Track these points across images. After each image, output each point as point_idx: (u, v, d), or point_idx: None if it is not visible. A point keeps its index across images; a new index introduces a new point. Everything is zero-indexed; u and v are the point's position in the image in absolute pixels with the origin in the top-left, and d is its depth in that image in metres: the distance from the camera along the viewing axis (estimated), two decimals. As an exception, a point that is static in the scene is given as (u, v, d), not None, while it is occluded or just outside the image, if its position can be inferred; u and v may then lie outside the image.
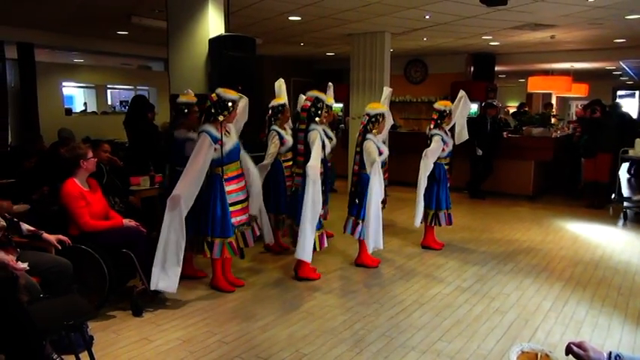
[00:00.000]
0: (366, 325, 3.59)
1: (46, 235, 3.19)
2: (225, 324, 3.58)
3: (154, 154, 5.50)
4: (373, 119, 4.65)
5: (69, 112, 10.95)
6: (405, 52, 10.73)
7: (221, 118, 3.86)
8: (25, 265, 2.70)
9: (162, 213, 3.71)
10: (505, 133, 8.73)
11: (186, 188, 3.71)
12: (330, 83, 5.64)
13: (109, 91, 13.31)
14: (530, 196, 8.23)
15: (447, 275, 4.67)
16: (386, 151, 4.75)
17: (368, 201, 4.40)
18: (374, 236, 4.45)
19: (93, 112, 12.33)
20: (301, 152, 4.38)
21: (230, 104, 3.90)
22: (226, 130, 3.97)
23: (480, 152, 8.06)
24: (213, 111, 3.87)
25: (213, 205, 3.95)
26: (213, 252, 3.97)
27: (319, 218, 4.26)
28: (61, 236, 3.25)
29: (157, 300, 3.92)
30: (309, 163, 4.09)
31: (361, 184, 4.65)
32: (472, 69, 11.20)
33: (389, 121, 5.27)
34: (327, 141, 4.46)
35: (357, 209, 4.69)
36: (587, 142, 7.69)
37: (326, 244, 4.45)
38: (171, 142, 4.36)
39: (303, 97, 4.78)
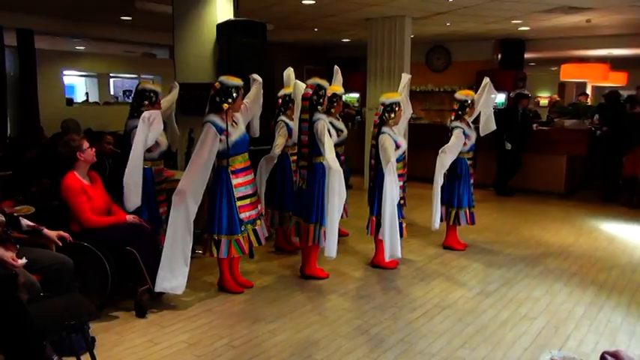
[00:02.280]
0: (383, 330, 3.59)
1: (46, 231, 3.24)
2: (233, 327, 3.60)
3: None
4: (389, 109, 4.60)
5: (70, 102, 11.09)
6: (427, 38, 10.64)
7: (225, 106, 3.84)
8: (23, 261, 2.75)
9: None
10: (535, 125, 8.64)
11: (191, 182, 3.74)
12: (336, 67, 5.54)
13: (111, 80, 13.47)
14: (562, 194, 8.14)
15: (471, 278, 4.65)
16: (404, 144, 4.70)
17: (382, 204, 4.37)
18: (390, 243, 4.39)
19: (95, 102, 12.49)
20: (305, 143, 4.32)
21: (234, 91, 3.89)
22: (233, 120, 3.98)
23: (509, 146, 7.98)
24: (217, 99, 3.88)
25: (220, 199, 3.96)
26: (220, 251, 3.99)
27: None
28: (61, 232, 3.31)
29: (162, 300, 3.97)
30: (327, 156, 4.07)
31: (379, 178, 4.63)
32: (499, 56, 11.08)
33: (407, 111, 5.23)
34: (332, 130, 4.42)
35: (377, 207, 4.68)
36: (614, 136, 7.62)
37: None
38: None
39: (301, 84, 4.75)
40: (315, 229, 4.33)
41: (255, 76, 4.41)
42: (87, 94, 13.37)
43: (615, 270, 4.89)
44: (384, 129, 4.58)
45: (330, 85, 4.75)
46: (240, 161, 4.02)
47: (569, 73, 11.43)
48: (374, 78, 8.53)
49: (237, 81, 3.94)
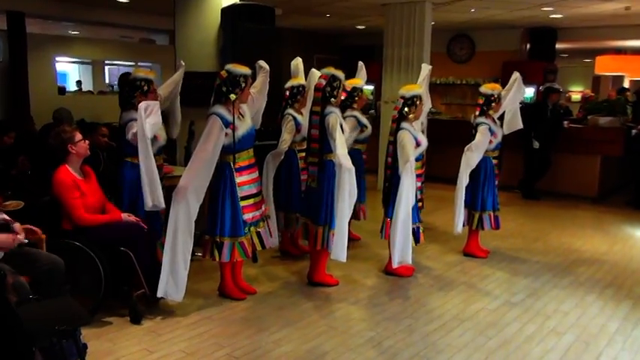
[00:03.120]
0: (396, 343, 3.59)
1: (17, 225, 3.21)
2: (235, 336, 3.62)
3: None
4: (409, 102, 4.60)
5: (62, 90, 11.17)
6: (449, 25, 10.61)
7: (233, 96, 3.85)
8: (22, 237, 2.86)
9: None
10: (566, 122, 8.58)
11: (194, 179, 3.76)
12: (360, 63, 5.63)
13: (107, 67, 13.55)
14: (594, 198, 8.09)
15: (494, 288, 4.64)
16: (424, 141, 4.70)
17: (396, 205, 4.37)
18: (400, 247, 4.40)
19: (89, 91, 12.57)
20: (315, 138, 4.32)
21: (242, 80, 3.90)
22: (240, 113, 3.99)
23: (537, 145, 7.94)
24: (224, 89, 3.89)
25: (222, 198, 3.97)
26: (222, 254, 4.00)
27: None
28: (29, 226, 3.28)
29: (159, 306, 3.99)
30: (338, 152, 4.06)
31: (396, 178, 4.61)
32: (528, 46, 11.03)
33: (426, 105, 5.23)
34: (345, 126, 4.40)
35: (391, 209, 4.67)
36: None
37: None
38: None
39: (317, 72, 4.76)
40: (324, 232, 4.33)
41: (262, 63, 4.42)
42: (79, 82, 13.44)
43: (652, 282, 4.87)
44: (404, 124, 4.57)
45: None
46: (245, 158, 4.04)
47: (604, 66, 11.37)
48: (390, 69, 8.51)
49: (245, 69, 3.95)
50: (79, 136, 3.76)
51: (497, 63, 10.63)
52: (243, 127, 3.98)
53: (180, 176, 4.90)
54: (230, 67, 3.94)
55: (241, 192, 4.00)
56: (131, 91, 4.16)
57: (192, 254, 4.64)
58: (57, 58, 10.96)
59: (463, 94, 11.35)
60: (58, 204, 3.69)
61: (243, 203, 4.01)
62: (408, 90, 4.67)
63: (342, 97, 5.18)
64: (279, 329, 3.74)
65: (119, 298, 3.85)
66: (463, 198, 4.97)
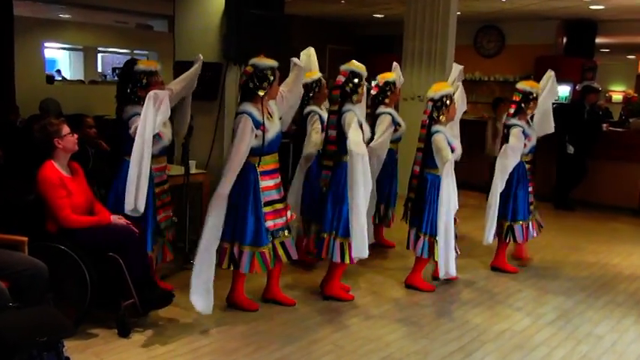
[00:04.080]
0: (411, 365, 3.59)
1: None
2: (232, 353, 3.63)
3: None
4: (439, 104, 4.64)
5: (50, 79, 11.28)
6: (476, 16, 10.59)
7: (261, 92, 3.93)
8: None
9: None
10: (605, 125, 8.54)
11: (232, 184, 3.86)
12: (395, 63, 5.81)
13: (99, 55, 13.66)
14: (636, 210, 8.05)
15: (520, 307, 4.62)
16: (459, 148, 4.70)
17: (439, 212, 4.41)
18: (444, 258, 4.44)
19: (79, 80, 12.68)
20: (332, 140, 4.38)
21: (270, 73, 3.97)
22: (268, 112, 4.06)
23: (571, 150, 7.90)
24: (251, 86, 3.95)
25: (244, 204, 4.01)
26: (242, 264, 4.04)
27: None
28: None
29: (149, 318, 4.00)
30: (349, 138, 4.09)
31: (425, 188, 4.68)
32: (564, 40, 10.99)
33: (461, 106, 5.28)
34: (366, 125, 4.44)
35: (418, 220, 4.73)
36: None
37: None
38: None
39: (312, 51, 5.05)
40: (330, 240, 4.37)
41: (297, 60, 4.48)
42: (58, 71, 13.34)
43: (698, 305, 4.82)
44: (437, 127, 4.61)
45: None
46: (271, 161, 4.10)
47: (649, 64, 11.27)
48: (410, 62, 8.51)
49: (271, 62, 4.02)
50: (66, 129, 3.78)
51: (530, 58, 10.60)
52: (273, 128, 4.05)
53: (178, 175, 5.00)
54: (255, 60, 3.99)
55: (264, 198, 4.05)
56: (132, 85, 4.22)
57: (187, 262, 4.69)
58: (46, 44, 11.06)
59: (491, 91, 11.30)
60: (43, 203, 3.71)
61: (265, 210, 4.06)
62: (437, 90, 4.70)
63: (374, 92, 5.26)
64: (281, 346, 3.74)
65: (106, 308, 3.86)
66: (497, 206, 5.00)
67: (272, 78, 3.98)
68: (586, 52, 10.95)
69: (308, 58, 5.20)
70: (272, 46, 5.28)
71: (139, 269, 3.80)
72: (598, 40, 11.36)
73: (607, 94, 15.79)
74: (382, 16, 11.26)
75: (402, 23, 8.62)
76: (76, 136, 3.87)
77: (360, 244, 4.12)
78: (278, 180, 4.17)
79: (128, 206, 3.76)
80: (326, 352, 3.70)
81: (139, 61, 4.43)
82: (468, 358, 3.72)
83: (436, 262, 4.65)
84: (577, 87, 9.40)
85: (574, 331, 4.19)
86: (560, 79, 5.64)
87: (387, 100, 5.37)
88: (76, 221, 3.71)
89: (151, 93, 3.78)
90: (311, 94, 5.09)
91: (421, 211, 4.70)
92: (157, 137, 4.03)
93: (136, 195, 3.75)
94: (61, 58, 14.28)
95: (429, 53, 8.31)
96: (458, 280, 5.12)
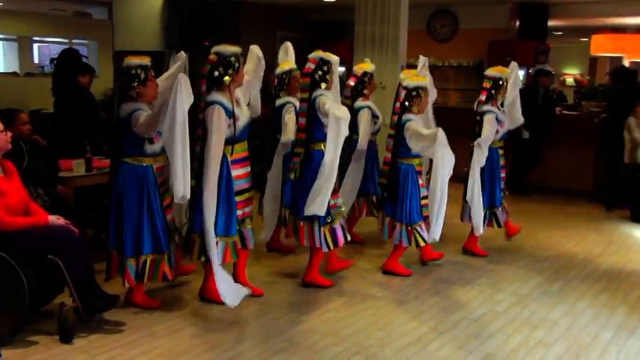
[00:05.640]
0: (366, 359, 3.61)
1: None
2: (182, 355, 3.60)
3: (90, 130, 5.49)
4: (413, 93, 4.76)
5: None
6: (429, -1, 10.69)
7: (227, 79, 3.99)
8: None
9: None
10: (558, 109, 8.73)
11: (217, 174, 3.93)
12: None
13: (35, 45, 13.24)
14: (590, 194, 8.25)
15: (476, 295, 4.71)
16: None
17: (433, 181, 4.60)
18: (434, 223, 4.67)
19: (14, 72, 12.28)
20: (302, 128, 4.50)
21: (234, 60, 4.02)
22: (236, 100, 4.12)
23: (526, 135, 8.05)
24: (216, 74, 3.99)
25: (217, 194, 4.04)
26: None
27: (336, 207, 4.48)
28: None
29: (93, 322, 3.93)
30: (332, 108, 4.10)
31: (398, 178, 4.82)
32: (517, 23, 11.17)
33: (432, 97, 5.42)
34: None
35: (392, 208, 4.87)
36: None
37: (343, 240, 4.56)
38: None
39: (289, 45, 5.16)
40: (314, 228, 4.45)
41: (255, 49, 4.56)
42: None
43: (650, 286, 5.01)
44: (409, 116, 4.75)
45: None
46: (241, 150, 4.19)
47: (601, 46, 11.57)
48: (363, 48, 8.51)
49: (235, 48, 4.08)
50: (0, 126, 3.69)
51: (483, 42, 10.73)
52: (242, 115, 4.13)
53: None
54: (218, 48, 4.05)
55: (235, 187, 4.13)
56: (127, 81, 4.11)
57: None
58: (-25, 34, 10.67)
59: (445, 76, 11.42)
60: (-27, 205, 3.60)
61: (238, 198, 4.15)
62: (412, 80, 4.81)
63: (352, 83, 5.35)
64: (231, 346, 3.72)
65: (46, 314, 3.79)
66: (480, 196, 5.19)
67: (237, 65, 4.05)
68: (539, 35, 11.14)
69: (286, 51, 5.34)
70: (217, 34, 5.25)
71: (81, 271, 3.73)
72: (551, 23, 11.57)
73: (561, 77, 16.19)
74: (333, 0, 11.25)
75: (353, 8, 8.62)
76: (9, 134, 3.78)
77: (320, 203, 4.16)
78: (248, 169, 4.26)
79: (178, 193, 3.75)
80: (280, 350, 3.70)
81: (130, 57, 4.32)
82: (424, 349, 3.77)
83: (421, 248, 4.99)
84: (530, 71, 9.58)
85: (530, 317, 4.30)
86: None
87: (365, 91, 5.42)
88: (11, 223, 3.61)
89: (181, 76, 3.71)
90: (284, 86, 5.18)
91: (395, 201, 4.84)
92: (159, 134, 4.00)
93: (184, 183, 3.75)
94: (-7, 49, 13.78)
95: (381, 38, 8.33)
96: (413, 271, 5.18)
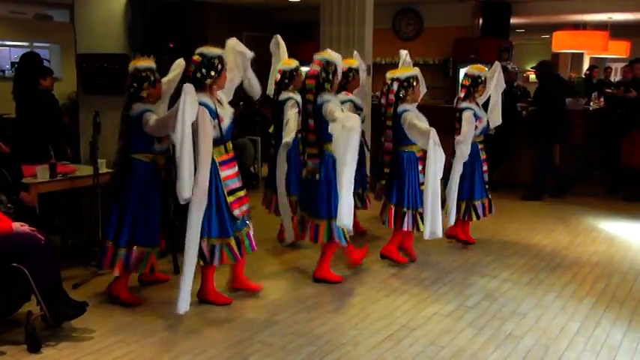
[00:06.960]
0: (340, 358, 3.63)
1: None
2: (154, 360, 3.57)
3: (53, 135, 5.41)
4: (405, 84, 4.97)
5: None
6: (394, -2, 10.76)
7: (209, 81, 4.03)
8: None
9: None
10: (520, 105, 8.85)
11: (207, 175, 3.92)
12: (405, 51, 5.99)
13: (-6, 48, 12.97)
14: (554, 187, 8.39)
15: (447, 291, 4.76)
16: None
17: (426, 175, 4.69)
18: (431, 219, 4.72)
19: (-28, 77, 12.00)
20: (311, 129, 4.58)
21: (218, 62, 4.06)
22: (218, 101, 4.15)
23: (492, 131, 8.14)
24: (199, 75, 4.02)
25: (208, 196, 4.04)
26: (213, 258, 4.12)
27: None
28: None
29: (61, 330, 3.87)
30: (337, 116, 4.20)
31: (402, 166, 5.02)
32: (481, 21, 11.33)
33: (423, 87, 5.50)
34: (346, 110, 4.68)
35: (398, 196, 5.05)
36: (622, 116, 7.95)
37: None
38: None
39: (279, 38, 5.45)
40: (328, 226, 4.58)
41: (231, 41, 4.53)
42: None
43: (615, 277, 5.12)
44: (404, 106, 4.94)
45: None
46: (226, 151, 4.20)
47: (562, 42, 11.79)
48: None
49: (219, 50, 4.13)
50: (-42, 132, 3.62)
51: (448, 40, 10.86)
52: (226, 115, 4.16)
53: (87, 176, 4.88)
54: (203, 49, 4.08)
55: (227, 187, 4.16)
56: (138, 84, 4.20)
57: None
58: None
59: (412, 75, 11.52)
60: None
61: (231, 198, 4.17)
62: (403, 72, 5.06)
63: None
64: (203, 350, 3.70)
65: (12, 322, 3.73)
66: (456, 189, 5.30)
67: (220, 67, 4.08)
68: (502, 33, 11.31)
69: (277, 46, 5.49)
70: (182, 35, 5.21)
71: (47, 278, 3.67)
72: (513, 21, 11.76)
73: (525, 74, 16.45)
74: (299, 0, 11.24)
75: (318, 8, 8.62)
76: (-31, 139, 3.70)
77: (347, 215, 4.20)
78: (236, 169, 4.28)
79: (184, 195, 3.80)
80: (253, 352, 3.69)
81: (137, 60, 4.40)
82: (397, 345, 3.80)
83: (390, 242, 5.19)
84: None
85: (499, 311, 4.36)
86: (479, 61, 5.87)
87: (348, 86, 5.52)
88: (-27, 231, 3.53)
89: (188, 86, 3.77)
90: (286, 82, 5.35)
91: (401, 189, 5.05)
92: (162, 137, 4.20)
93: (189, 185, 3.80)
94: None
95: (347, 37, 8.35)
96: (381, 269, 5.22)
